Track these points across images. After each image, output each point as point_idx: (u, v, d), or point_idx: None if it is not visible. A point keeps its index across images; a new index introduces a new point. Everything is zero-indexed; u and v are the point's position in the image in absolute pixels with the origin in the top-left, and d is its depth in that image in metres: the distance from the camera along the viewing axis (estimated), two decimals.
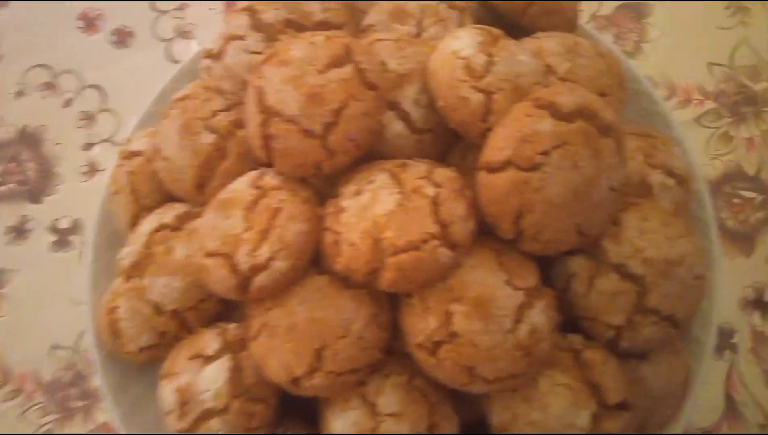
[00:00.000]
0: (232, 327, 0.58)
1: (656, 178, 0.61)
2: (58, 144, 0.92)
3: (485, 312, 0.49)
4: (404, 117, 0.57)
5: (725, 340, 0.77)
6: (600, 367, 0.53)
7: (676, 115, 0.84)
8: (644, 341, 0.54)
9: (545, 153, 0.49)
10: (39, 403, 0.79)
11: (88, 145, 0.91)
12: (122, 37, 0.98)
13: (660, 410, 0.58)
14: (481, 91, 0.53)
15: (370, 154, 0.56)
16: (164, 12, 0.99)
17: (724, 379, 0.76)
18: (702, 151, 0.84)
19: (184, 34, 0.97)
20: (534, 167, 0.49)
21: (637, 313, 0.53)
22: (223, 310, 0.61)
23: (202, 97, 0.61)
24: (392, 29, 0.63)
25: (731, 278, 0.79)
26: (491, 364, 0.50)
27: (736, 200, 0.83)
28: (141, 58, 0.95)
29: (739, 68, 0.88)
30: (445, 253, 0.50)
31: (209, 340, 0.57)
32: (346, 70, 0.52)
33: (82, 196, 0.87)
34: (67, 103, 0.94)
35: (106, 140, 0.91)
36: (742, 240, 0.81)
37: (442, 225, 0.50)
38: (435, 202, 0.51)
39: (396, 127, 0.57)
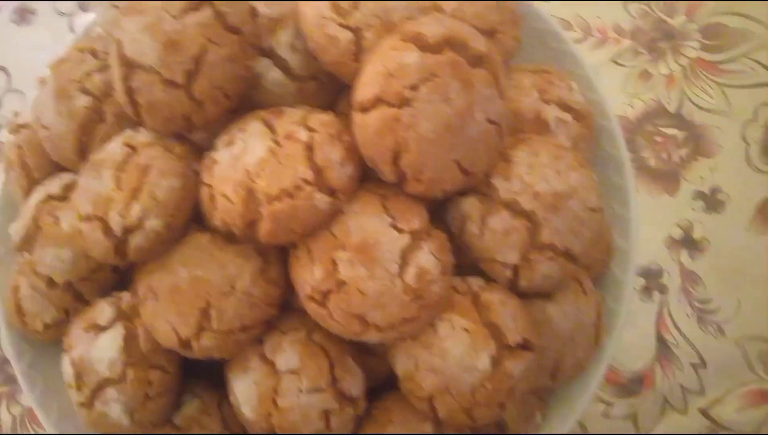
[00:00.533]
0: (125, 295, 0.56)
1: (551, 113, 0.60)
2: None
3: (370, 257, 0.48)
4: (281, 64, 0.55)
5: (654, 281, 0.76)
6: (499, 308, 0.52)
7: (592, 55, 0.83)
8: (543, 278, 0.53)
9: (413, 87, 0.47)
10: None
11: None
12: (23, 15, 0.94)
13: (572, 351, 0.57)
14: (349, 28, 0.51)
15: (250, 105, 0.55)
16: None
17: (654, 320, 0.75)
18: (620, 90, 0.83)
19: (85, 6, 0.93)
20: (403, 103, 0.47)
21: (532, 249, 0.52)
22: (120, 279, 0.59)
23: (75, 59, 0.58)
24: None
25: (657, 217, 0.78)
26: (381, 310, 0.48)
27: (658, 138, 0.81)
28: (44, 35, 0.91)
29: (655, 5, 0.86)
30: (322, 199, 0.48)
31: (102, 310, 0.55)
32: (204, 14, 0.49)
33: None
34: None
35: None
36: (666, 178, 0.80)
37: (316, 170, 0.48)
38: (309, 147, 0.49)
39: (273, 75, 0.55)
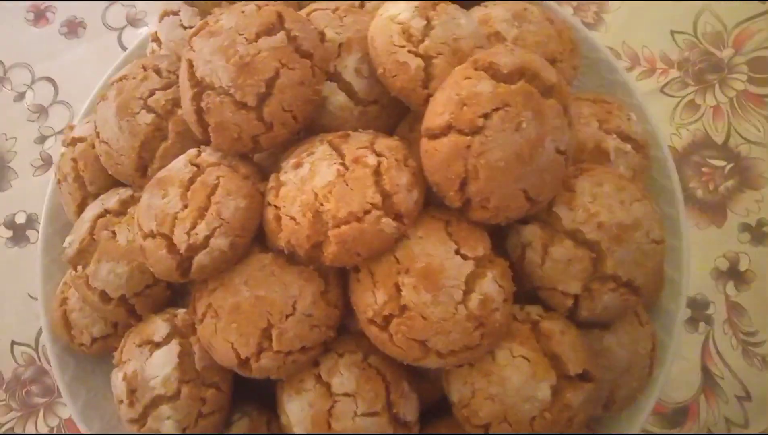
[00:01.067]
0: (181, 312, 0.56)
1: (611, 143, 0.60)
2: (11, 138, 0.90)
3: (434, 283, 0.48)
4: (346, 88, 0.55)
5: (700, 312, 0.75)
6: (559, 338, 0.51)
7: (640, 85, 0.83)
8: (604, 309, 0.53)
9: (486, 115, 0.47)
10: (1, 401, 0.77)
11: (42, 139, 0.89)
12: (73, 28, 0.96)
13: (626, 382, 0.56)
14: (419, 55, 0.51)
15: (313, 127, 0.55)
16: (114, 1, 0.97)
17: (699, 351, 0.74)
18: (668, 120, 0.83)
19: (135, 22, 0.95)
20: (475, 131, 0.47)
21: (594, 280, 0.51)
22: (174, 295, 0.60)
23: (139, 76, 0.59)
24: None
25: (704, 249, 0.78)
26: (443, 336, 0.48)
27: (704, 169, 0.81)
28: (93, 49, 0.93)
29: (702, 35, 0.87)
30: (388, 224, 0.48)
31: (158, 326, 0.55)
32: (278, 39, 0.50)
33: (36, 190, 0.85)
34: (20, 97, 0.92)
35: (59, 132, 0.89)
36: (713, 209, 0.79)
37: (384, 195, 0.48)
38: (377, 172, 0.49)
39: (338, 98, 0.55)
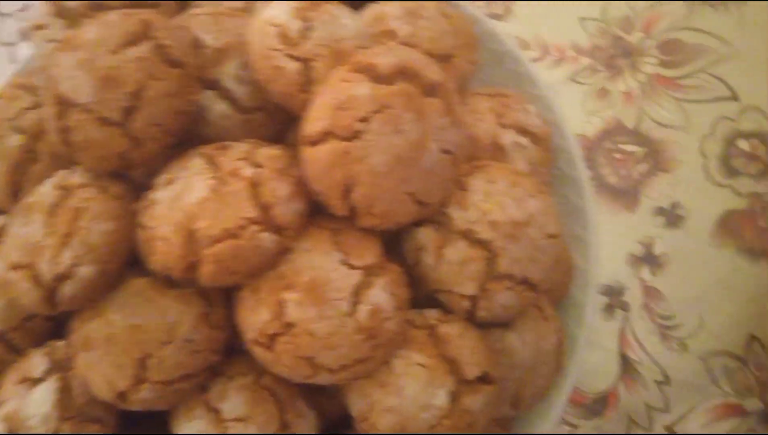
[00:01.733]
0: (61, 344, 0.53)
1: (508, 137, 0.59)
2: None
3: (319, 296, 0.46)
4: (227, 96, 0.52)
5: (616, 299, 0.75)
6: (457, 341, 0.50)
7: (551, 74, 0.83)
8: (502, 308, 0.51)
9: (364, 119, 0.45)
10: None
11: None
12: None
13: (532, 379, 0.55)
14: (296, 59, 0.49)
15: (194, 139, 0.52)
16: (7, 15, 0.92)
17: (617, 339, 0.74)
18: (580, 108, 0.82)
19: (28, 35, 0.89)
20: (354, 136, 0.45)
21: (490, 279, 0.50)
22: (57, 326, 0.56)
23: (8, 95, 0.55)
24: (217, 3, 0.58)
25: (618, 235, 0.78)
26: (332, 351, 0.46)
27: (617, 155, 0.81)
28: None
29: (611, 21, 0.86)
30: (267, 238, 0.46)
31: (36, 361, 0.52)
32: (144, 48, 0.47)
33: None
34: None
35: None
36: (626, 195, 0.79)
37: (262, 208, 0.46)
38: (254, 184, 0.46)
39: (218, 107, 0.52)
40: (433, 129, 0.47)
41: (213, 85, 0.52)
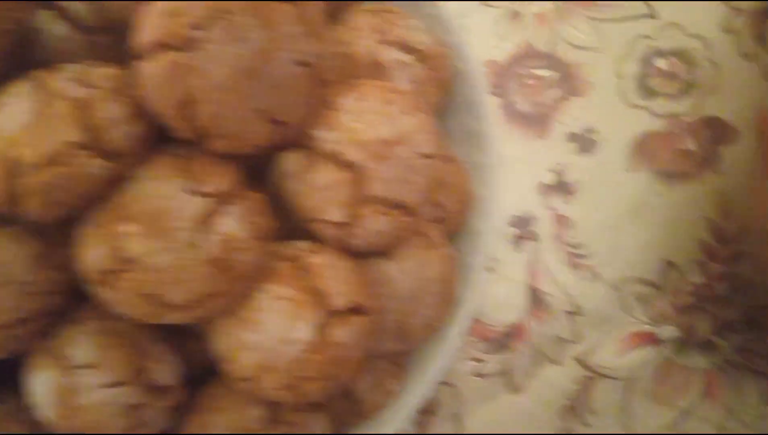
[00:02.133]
0: None
1: (389, 55, 0.54)
2: None
3: (162, 227, 0.41)
4: (67, 15, 0.47)
5: (525, 229, 0.73)
6: (324, 271, 0.46)
7: None
8: (377, 235, 0.48)
9: (200, 26, 0.40)
10: None
11: None
12: None
13: (417, 310, 0.52)
14: None
15: (29, 64, 0.46)
16: None
17: (526, 270, 0.72)
18: (491, 32, 0.78)
19: None
20: (190, 46, 0.40)
21: (359, 204, 0.47)
22: None
23: None
24: None
25: (530, 164, 0.75)
26: (179, 286, 0.42)
27: (529, 81, 0.77)
28: None
29: None
30: (98, 165, 0.41)
31: None
32: None
33: None
34: None
35: None
36: (538, 122, 0.76)
37: (91, 131, 0.41)
38: (82, 106, 0.41)
39: (58, 28, 0.47)
40: (282, 37, 0.42)
41: (49, 5, 0.47)
